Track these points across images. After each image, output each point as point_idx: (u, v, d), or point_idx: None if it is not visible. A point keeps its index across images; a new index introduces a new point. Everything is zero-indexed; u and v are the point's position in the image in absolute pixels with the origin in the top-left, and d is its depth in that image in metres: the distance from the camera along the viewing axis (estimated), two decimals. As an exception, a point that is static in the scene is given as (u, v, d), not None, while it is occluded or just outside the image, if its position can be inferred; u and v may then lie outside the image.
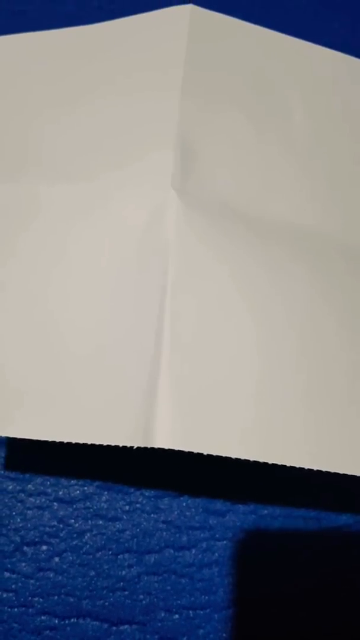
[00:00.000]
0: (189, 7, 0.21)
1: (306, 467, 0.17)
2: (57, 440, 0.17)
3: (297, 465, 0.17)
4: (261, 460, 0.17)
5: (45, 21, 0.30)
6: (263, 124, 0.21)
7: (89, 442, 0.17)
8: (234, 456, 0.17)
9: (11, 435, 0.17)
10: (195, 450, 0.16)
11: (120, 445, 0.17)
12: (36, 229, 0.20)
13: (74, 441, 0.17)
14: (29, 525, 0.23)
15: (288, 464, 0.17)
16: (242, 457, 0.17)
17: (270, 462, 0.17)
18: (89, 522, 0.23)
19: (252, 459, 0.17)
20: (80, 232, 0.19)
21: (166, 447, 0.16)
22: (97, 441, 0.17)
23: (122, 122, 0.21)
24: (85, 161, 0.20)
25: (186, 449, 0.16)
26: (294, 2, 0.32)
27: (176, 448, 0.16)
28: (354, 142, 0.22)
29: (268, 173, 0.21)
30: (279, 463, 0.17)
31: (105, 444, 0.17)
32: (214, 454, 0.17)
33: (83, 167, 0.20)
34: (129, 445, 0.16)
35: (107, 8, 0.31)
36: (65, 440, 0.17)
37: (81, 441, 0.17)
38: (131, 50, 0.21)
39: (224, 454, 0.17)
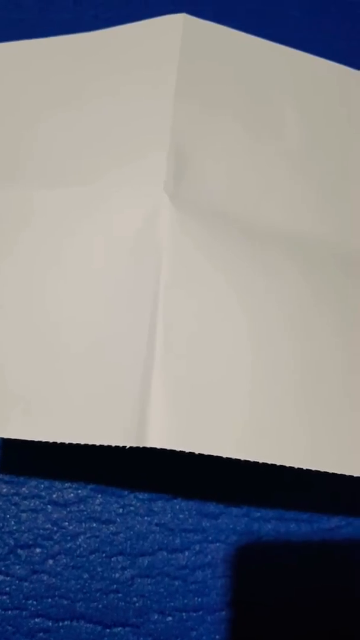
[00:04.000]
0: (182, 16, 0.21)
1: (300, 467, 0.17)
2: (51, 440, 0.17)
3: (292, 465, 0.17)
4: (255, 460, 0.17)
5: (42, 30, 0.31)
6: (256, 130, 0.22)
7: (83, 443, 0.17)
8: (227, 456, 0.17)
9: (6, 436, 0.18)
10: (189, 450, 0.17)
11: (114, 445, 0.17)
12: (30, 232, 0.20)
13: (67, 442, 0.17)
14: (23, 527, 0.23)
15: (282, 464, 0.17)
16: (236, 457, 0.17)
17: (264, 462, 0.17)
18: (83, 524, 0.23)
19: (246, 458, 0.17)
20: (74, 236, 0.20)
21: (159, 446, 0.16)
22: (90, 441, 0.17)
23: (115, 128, 0.21)
24: (79, 166, 0.21)
25: (179, 449, 0.16)
26: (287, 13, 0.32)
27: (169, 448, 0.16)
28: (346, 148, 0.23)
29: (261, 178, 0.21)
30: (273, 463, 0.17)
31: (98, 444, 0.17)
32: (208, 453, 0.17)
33: (77, 172, 0.21)
34: (122, 445, 0.17)
35: (103, 17, 0.31)
36: (59, 441, 0.17)
37: (75, 441, 0.17)
38: (125, 57, 0.22)
39: (217, 454, 0.17)
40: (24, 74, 0.23)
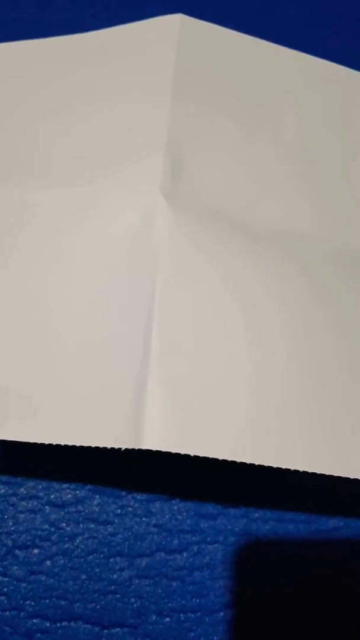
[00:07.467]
0: (179, 17, 0.21)
1: (299, 470, 0.17)
2: (47, 442, 0.17)
3: (290, 468, 0.17)
4: (253, 462, 0.17)
5: (39, 29, 0.31)
6: (253, 130, 0.21)
7: (79, 444, 0.17)
8: (225, 458, 0.17)
9: (2, 438, 0.18)
10: (185, 452, 0.16)
11: (109, 447, 0.17)
12: (29, 233, 0.20)
13: (63, 443, 0.17)
14: (20, 528, 0.23)
15: (280, 466, 0.17)
16: (234, 459, 0.17)
17: (262, 464, 0.17)
18: (81, 525, 0.23)
19: (243, 461, 0.17)
20: (72, 236, 0.20)
21: (155, 449, 0.16)
22: (87, 443, 0.17)
23: (113, 129, 0.21)
24: (77, 166, 0.21)
25: (175, 451, 0.16)
26: (284, 13, 0.32)
27: (165, 450, 0.16)
28: (345, 149, 0.23)
29: (258, 179, 0.21)
30: (272, 465, 0.17)
31: (94, 446, 0.17)
32: (205, 455, 0.17)
33: (75, 172, 0.21)
34: (118, 447, 0.17)
35: (101, 16, 0.31)
36: (55, 443, 0.17)
37: (71, 443, 0.17)
38: (122, 57, 0.22)
39: (214, 456, 0.17)
40: (21, 76, 0.23)
